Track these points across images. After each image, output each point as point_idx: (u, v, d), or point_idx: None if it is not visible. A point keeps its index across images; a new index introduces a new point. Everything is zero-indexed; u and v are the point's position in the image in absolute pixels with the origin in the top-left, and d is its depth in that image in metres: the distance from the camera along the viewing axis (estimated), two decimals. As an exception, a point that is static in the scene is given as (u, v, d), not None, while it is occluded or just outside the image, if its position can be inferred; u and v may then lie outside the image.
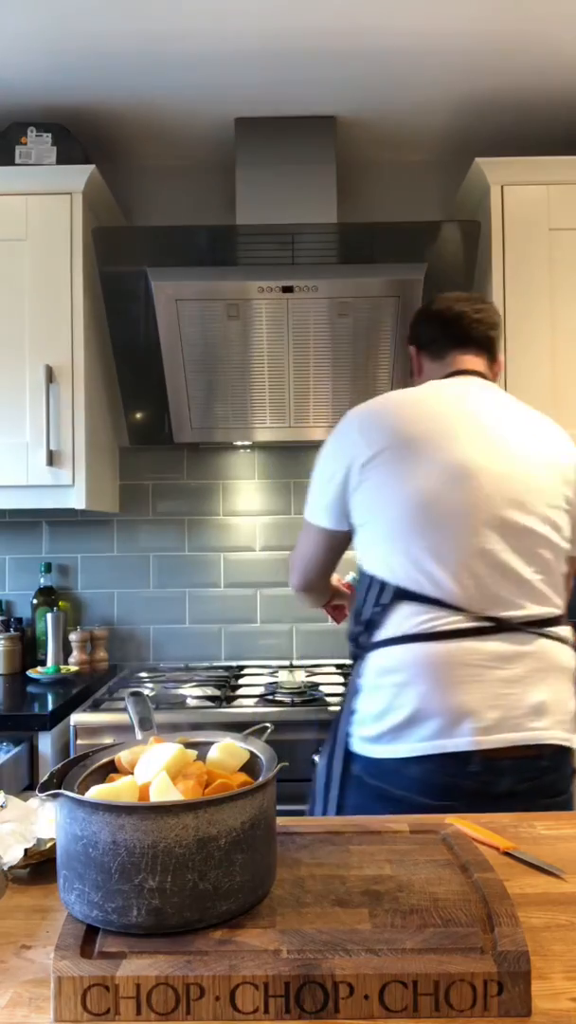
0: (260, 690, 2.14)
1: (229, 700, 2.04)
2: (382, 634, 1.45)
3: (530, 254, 2.17)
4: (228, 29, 1.92)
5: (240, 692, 2.13)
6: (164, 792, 0.83)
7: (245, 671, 2.42)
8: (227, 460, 2.60)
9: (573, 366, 2.15)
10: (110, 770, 0.95)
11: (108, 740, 1.89)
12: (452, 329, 1.62)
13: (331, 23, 1.90)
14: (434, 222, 2.41)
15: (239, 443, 2.49)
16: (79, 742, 1.92)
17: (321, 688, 2.14)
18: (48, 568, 2.52)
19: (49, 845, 0.99)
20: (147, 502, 2.60)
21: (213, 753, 0.95)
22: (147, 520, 2.60)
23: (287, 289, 2.09)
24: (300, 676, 2.32)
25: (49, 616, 2.36)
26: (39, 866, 1.00)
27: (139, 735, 1.02)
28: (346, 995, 0.71)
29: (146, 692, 2.12)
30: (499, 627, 1.42)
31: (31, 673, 2.30)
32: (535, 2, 1.83)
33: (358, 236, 2.18)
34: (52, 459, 2.15)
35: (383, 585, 1.46)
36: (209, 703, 2.02)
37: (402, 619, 1.43)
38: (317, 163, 2.28)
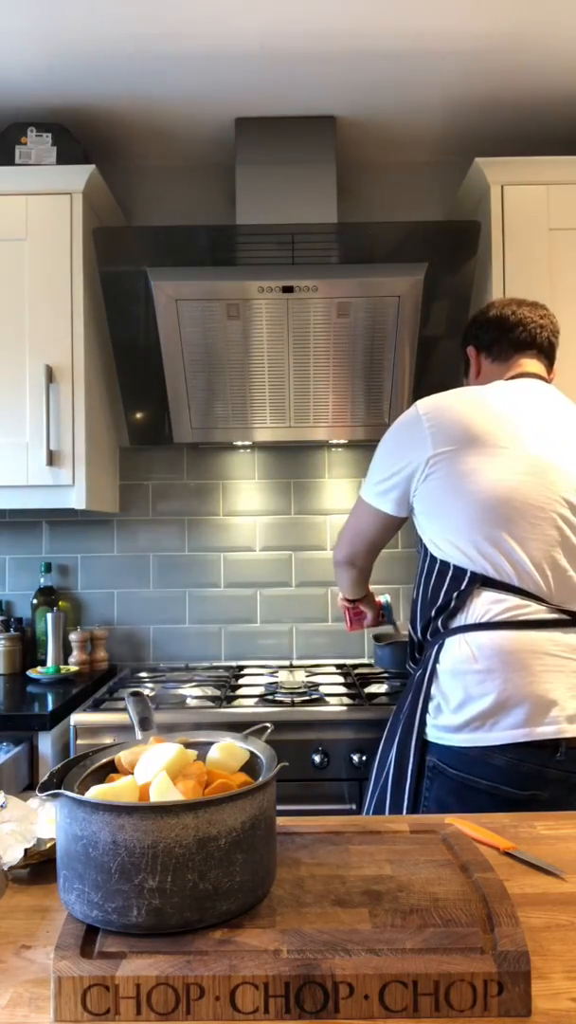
0: (260, 690, 2.14)
1: (229, 700, 2.04)
2: (463, 620, 1.48)
3: (530, 254, 2.17)
4: (228, 29, 1.92)
5: (240, 692, 2.13)
6: (164, 792, 0.83)
7: (245, 671, 2.42)
8: (227, 460, 2.60)
9: (573, 366, 2.15)
10: (110, 770, 0.95)
11: (108, 740, 1.89)
12: (516, 333, 1.68)
13: (331, 23, 1.90)
14: (434, 222, 2.42)
15: (239, 443, 2.49)
16: (79, 742, 1.92)
17: (321, 688, 2.13)
18: (48, 568, 2.52)
19: (49, 845, 0.99)
20: (147, 502, 2.60)
21: (213, 753, 0.95)
22: (147, 520, 2.60)
23: (287, 289, 2.09)
24: (300, 676, 2.32)
25: (49, 616, 2.36)
26: (39, 866, 1.00)
27: (139, 735, 1.02)
28: (346, 995, 0.71)
29: (146, 692, 2.12)
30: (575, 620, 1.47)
31: (31, 673, 2.30)
32: (535, 2, 1.84)
33: (358, 236, 2.18)
34: (52, 459, 2.15)
35: (460, 572, 1.49)
36: (209, 703, 2.02)
37: (484, 606, 1.46)
38: (317, 163, 2.28)
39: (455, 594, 1.49)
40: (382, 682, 2.22)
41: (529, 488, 1.48)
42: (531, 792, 1.39)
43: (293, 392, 2.27)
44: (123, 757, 0.95)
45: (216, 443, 2.51)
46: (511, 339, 1.68)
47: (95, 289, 2.27)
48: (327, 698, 2.02)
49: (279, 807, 0.91)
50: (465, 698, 1.43)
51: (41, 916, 0.89)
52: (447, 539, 1.51)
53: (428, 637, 1.55)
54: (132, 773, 0.90)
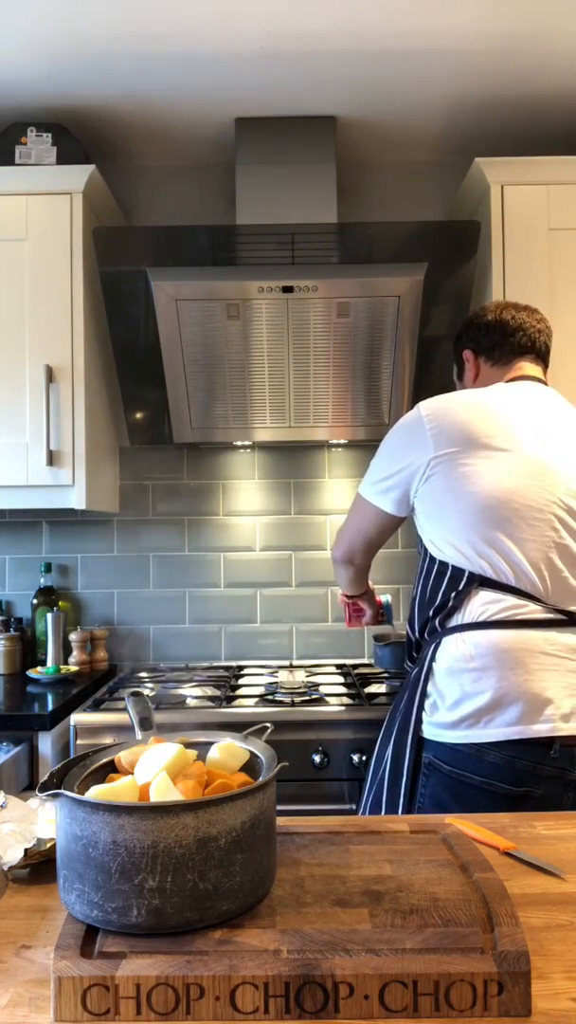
0: (260, 690, 2.14)
1: (229, 700, 2.04)
2: (460, 619, 1.49)
3: (530, 254, 2.17)
4: (228, 29, 1.92)
5: (240, 692, 2.13)
6: (164, 792, 0.83)
7: (245, 671, 2.42)
8: (227, 460, 2.60)
9: (573, 366, 2.15)
10: (110, 770, 0.95)
11: (108, 740, 1.89)
12: (517, 338, 1.69)
13: (331, 24, 1.90)
14: (434, 222, 2.41)
15: (239, 443, 2.49)
16: (79, 742, 1.92)
17: (321, 688, 2.14)
18: (48, 568, 2.52)
19: (49, 845, 0.99)
20: (147, 502, 2.60)
21: (213, 753, 0.95)
22: (147, 520, 2.60)
23: (287, 289, 2.09)
24: (300, 676, 2.32)
25: (49, 616, 2.36)
26: (39, 866, 1.00)
27: (139, 735, 1.02)
28: (346, 995, 0.71)
29: (146, 692, 2.12)
30: (572, 621, 1.48)
31: (31, 673, 2.30)
32: (535, 3, 1.84)
33: (358, 236, 2.18)
34: (52, 459, 2.15)
35: (458, 572, 1.50)
36: (209, 703, 2.02)
37: (481, 605, 1.48)
38: (317, 163, 2.28)
39: (453, 594, 1.50)
40: (382, 682, 2.22)
41: (528, 490, 1.49)
42: (525, 789, 1.40)
43: (293, 392, 2.27)
44: (123, 757, 0.95)
45: (216, 443, 2.51)
46: (511, 344, 1.69)
47: (95, 289, 2.27)
48: (327, 698, 2.02)
49: (279, 807, 0.91)
50: (461, 696, 1.44)
51: (41, 916, 0.89)
52: (446, 540, 1.52)
53: (426, 636, 1.56)
54: (132, 773, 0.90)
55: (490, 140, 2.45)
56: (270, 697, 2.05)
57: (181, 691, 2.15)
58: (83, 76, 2.11)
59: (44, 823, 1.02)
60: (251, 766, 0.94)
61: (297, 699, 2.01)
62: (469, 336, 1.75)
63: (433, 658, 1.50)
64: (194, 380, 2.25)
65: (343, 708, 1.94)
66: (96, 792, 0.84)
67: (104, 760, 0.95)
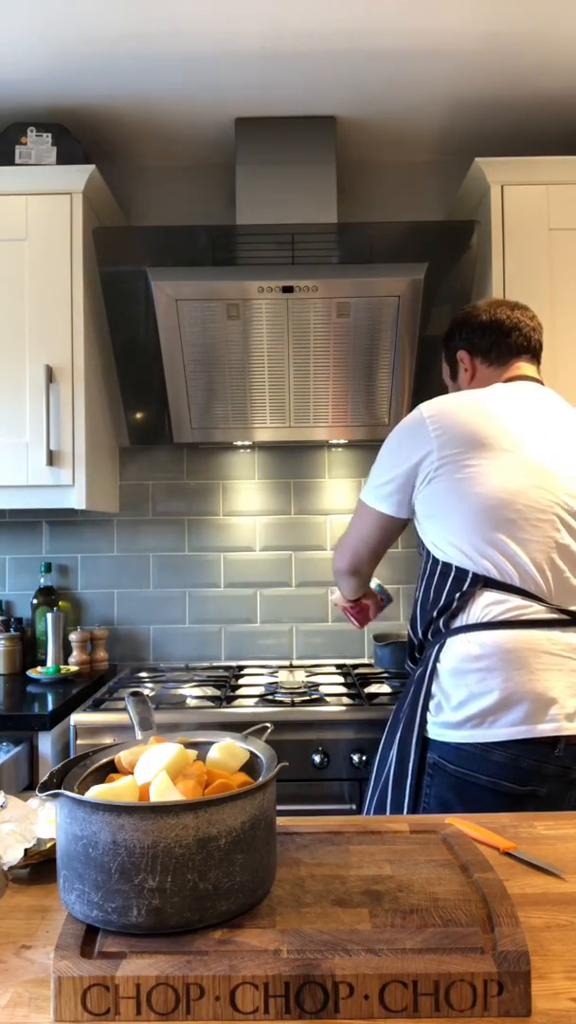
0: (260, 690, 2.14)
1: (229, 700, 2.04)
2: (464, 620, 1.50)
3: (530, 254, 2.17)
4: (228, 29, 1.92)
5: (240, 692, 2.13)
6: (164, 792, 0.83)
7: (245, 671, 2.42)
8: (227, 460, 2.60)
9: (573, 365, 2.15)
10: (110, 770, 0.95)
11: (108, 740, 1.89)
12: (513, 337, 1.69)
13: (331, 23, 1.90)
14: (434, 222, 2.42)
15: (239, 443, 2.49)
16: (79, 742, 1.92)
17: (321, 688, 2.13)
18: (48, 568, 2.52)
19: (49, 845, 0.99)
20: (147, 502, 2.60)
21: (213, 753, 0.95)
22: (147, 520, 2.60)
23: (287, 289, 2.09)
24: (300, 676, 2.32)
25: (49, 616, 2.36)
26: (39, 866, 1.00)
27: (139, 735, 1.02)
28: (346, 995, 0.71)
29: (146, 692, 2.12)
30: (575, 620, 1.48)
31: (31, 673, 2.30)
32: (534, 3, 1.84)
33: (358, 236, 2.18)
34: (52, 459, 2.15)
35: (462, 573, 1.50)
36: (209, 703, 2.02)
37: (485, 606, 1.48)
38: (317, 163, 2.28)
39: (457, 595, 1.50)
40: (382, 682, 2.22)
41: (531, 491, 1.49)
42: (530, 787, 1.41)
43: (293, 392, 2.27)
44: (123, 757, 0.95)
45: (216, 443, 2.51)
46: (508, 344, 1.69)
47: (95, 289, 2.27)
48: (327, 698, 2.02)
49: (279, 807, 0.91)
50: (467, 696, 1.45)
51: (41, 916, 0.89)
52: (449, 541, 1.53)
53: (429, 637, 1.56)
54: (132, 773, 0.90)
55: (490, 140, 2.45)
56: (270, 697, 2.05)
57: (181, 691, 2.15)
58: (83, 76, 2.11)
59: (44, 823, 1.02)
60: (251, 766, 0.94)
61: (297, 699, 2.01)
62: (463, 336, 1.74)
63: (437, 659, 1.51)
64: (194, 380, 2.25)
65: (343, 708, 1.94)
66: (96, 792, 0.84)
67: (104, 760, 0.95)
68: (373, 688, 2.15)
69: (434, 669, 1.51)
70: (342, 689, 2.13)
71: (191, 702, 2.04)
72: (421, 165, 2.59)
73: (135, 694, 1.07)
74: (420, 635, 1.58)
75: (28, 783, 1.89)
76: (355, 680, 2.23)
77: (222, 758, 0.94)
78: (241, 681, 2.28)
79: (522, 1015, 0.71)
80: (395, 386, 2.26)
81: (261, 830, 0.83)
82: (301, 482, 2.60)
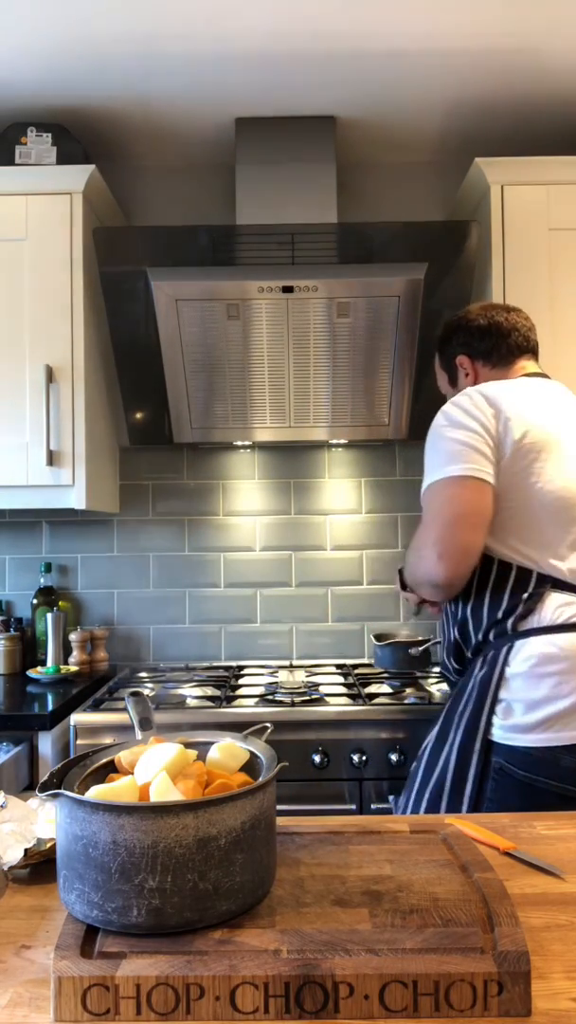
0: (260, 690, 2.14)
1: (229, 700, 2.04)
2: (535, 622, 1.47)
3: (530, 254, 2.17)
4: (228, 29, 1.92)
5: (240, 692, 2.13)
6: (164, 792, 0.83)
7: (245, 671, 2.42)
8: (227, 460, 2.60)
9: (573, 365, 2.15)
10: (110, 770, 0.95)
11: (108, 740, 1.89)
12: (513, 338, 1.68)
13: (331, 24, 1.90)
14: (434, 222, 2.41)
15: (239, 443, 2.49)
16: (79, 742, 1.92)
17: (321, 688, 2.13)
18: (48, 568, 2.52)
19: (49, 845, 0.99)
20: (147, 502, 2.60)
21: (213, 753, 0.95)
22: (147, 520, 2.60)
23: (287, 289, 2.09)
24: (300, 676, 2.32)
25: (49, 616, 2.36)
26: (39, 866, 1.00)
27: (139, 735, 1.02)
28: (346, 995, 0.71)
29: (146, 692, 2.12)
30: None
31: (31, 673, 2.30)
32: (535, 3, 1.84)
33: (358, 236, 2.18)
34: (52, 459, 2.15)
35: (524, 573, 1.48)
36: (209, 703, 2.02)
37: (556, 608, 1.46)
38: (317, 163, 2.28)
39: (524, 596, 1.47)
40: (382, 682, 2.21)
41: None
42: None
43: (293, 392, 2.27)
44: (123, 757, 0.95)
45: (216, 443, 2.51)
46: (509, 345, 1.68)
47: (95, 289, 2.27)
48: (327, 698, 2.02)
49: (279, 807, 0.91)
50: (542, 698, 1.42)
51: (41, 916, 0.89)
52: (508, 541, 1.49)
53: (491, 639, 1.51)
54: (132, 773, 0.90)
55: (490, 140, 2.45)
56: (270, 697, 2.05)
57: (181, 691, 2.15)
58: (83, 76, 2.11)
59: (44, 823, 1.02)
60: (251, 766, 0.94)
61: (297, 699, 2.01)
62: (460, 342, 1.72)
63: (506, 662, 1.47)
64: (194, 380, 2.25)
65: (343, 708, 1.94)
66: (96, 792, 0.84)
67: (104, 760, 0.95)
68: (373, 688, 2.15)
69: (502, 673, 1.47)
70: (342, 689, 2.13)
71: (191, 702, 2.04)
72: (421, 165, 2.59)
73: (135, 694, 1.07)
74: (479, 637, 1.53)
75: (28, 783, 1.89)
76: (355, 680, 2.23)
77: (222, 758, 0.94)
78: (241, 681, 2.28)
79: (522, 1015, 0.71)
80: (395, 386, 2.26)
81: (261, 830, 0.83)
82: (301, 482, 2.60)
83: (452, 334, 1.74)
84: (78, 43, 1.97)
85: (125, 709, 1.07)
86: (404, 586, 1.81)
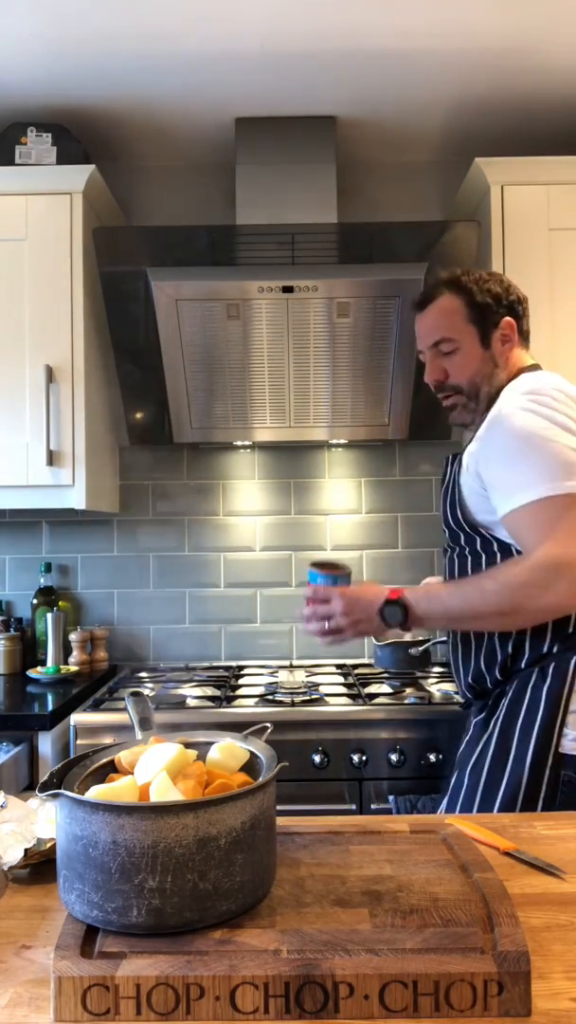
0: (260, 690, 2.14)
1: (229, 700, 2.04)
2: None
3: (530, 254, 2.17)
4: (228, 29, 1.92)
5: (240, 692, 2.13)
6: (164, 792, 0.83)
7: (245, 671, 2.42)
8: (227, 460, 2.60)
9: (573, 366, 2.15)
10: (110, 770, 0.95)
11: (108, 740, 1.89)
12: (527, 320, 1.61)
13: (331, 23, 1.90)
14: (434, 222, 2.41)
15: (239, 443, 2.49)
16: (79, 742, 1.92)
17: (321, 688, 2.13)
18: (48, 568, 2.52)
19: (49, 845, 0.99)
20: (147, 502, 2.60)
21: (213, 753, 0.95)
22: (147, 520, 2.60)
23: (287, 289, 2.09)
24: (300, 676, 2.32)
25: (49, 616, 2.36)
26: (39, 866, 1.00)
27: (139, 735, 1.02)
28: (346, 995, 0.71)
29: (146, 692, 2.12)
30: None
31: (31, 673, 2.30)
32: (535, 3, 1.83)
33: (358, 236, 2.18)
34: (52, 459, 2.15)
35: None
36: (209, 703, 2.02)
37: None
38: (317, 163, 2.28)
39: None
40: (382, 682, 2.21)
41: None
42: None
43: (293, 392, 2.27)
44: (123, 757, 0.95)
45: (216, 443, 2.51)
46: (526, 327, 1.62)
47: (95, 289, 2.27)
48: (327, 698, 2.02)
49: (279, 807, 0.91)
50: None
51: (41, 916, 0.89)
52: None
53: (554, 650, 1.45)
54: (132, 773, 0.90)
55: (490, 140, 2.45)
56: (270, 697, 2.05)
57: (181, 691, 2.15)
58: (83, 76, 2.11)
59: (44, 823, 1.02)
60: (251, 766, 0.94)
61: (297, 699, 2.01)
62: (506, 304, 1.56)
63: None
64: (194, 380, 2.25)
65: (343, 708, 1.94)
66: (96, 792, 0.84)
67: (104, 760, 0.95)
68: (373, 688, 2.15)
69: (572, 684, 1.41)
70: (342, 689, 2.13)
71: (191, 702, 2.04)
72: (421, 165, 2.59)
73: (135, 694, 1.07)
74: (544, 648, 1.46)
75: (28, 783, 1.89)
76: (355, 680, 2.23)
77: (222, 758, 0.94)
78: (241, 681, 2.28)
79: (522, 1015, 0.71)
80: (395, 386, 2.26)
81: (261, 830, 0.83)
82: (301, 482, 2.60)
83: (504, 293, 1.58)
84: (78, 43, 1.97)
85: (125, 709, 1.07)
86: (398, 625, 1.53)
